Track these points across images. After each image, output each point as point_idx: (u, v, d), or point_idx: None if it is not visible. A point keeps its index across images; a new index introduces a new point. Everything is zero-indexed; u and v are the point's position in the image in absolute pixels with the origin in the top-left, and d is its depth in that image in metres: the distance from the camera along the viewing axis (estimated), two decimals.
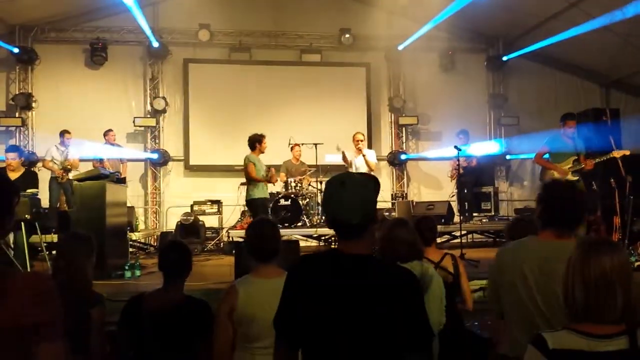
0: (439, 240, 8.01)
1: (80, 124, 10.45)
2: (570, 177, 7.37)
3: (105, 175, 6.92)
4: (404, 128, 12.37)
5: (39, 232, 6.65)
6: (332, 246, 8.79)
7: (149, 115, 11.51)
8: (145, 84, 11.64)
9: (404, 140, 12.40)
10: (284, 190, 9.36)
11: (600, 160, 7.46)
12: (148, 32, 10.78)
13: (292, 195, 9.14)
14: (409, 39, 11.45)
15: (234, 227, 9.40)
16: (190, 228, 9.68)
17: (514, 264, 2.43)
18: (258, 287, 2.82)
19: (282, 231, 8.78)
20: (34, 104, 11.09)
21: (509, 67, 12.45)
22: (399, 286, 1.82)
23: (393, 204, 11.19)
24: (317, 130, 10.56)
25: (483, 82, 12.67)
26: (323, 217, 9.08)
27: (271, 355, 2.03)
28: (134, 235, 9.21)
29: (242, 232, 8.77)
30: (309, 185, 9.58)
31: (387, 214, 9.92)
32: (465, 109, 12.14)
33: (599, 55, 11.47)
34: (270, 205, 9.13)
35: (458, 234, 8.86)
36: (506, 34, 12.17)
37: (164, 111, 11.48)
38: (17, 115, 11.05)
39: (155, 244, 10.31)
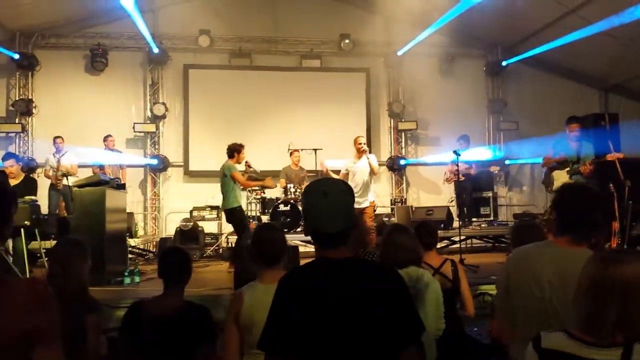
0: (438, 245, 8.00)
1: (80, 129, 10.49)
2: (565, 180, 7.37)
3: (105, 182, 6.93)
4: (403, 133, 12.39)
5: (38, 238, 6.66)
6: None
7: (148, 121, 11.53)
8: (145, 89, 11.67)
9: (403, 146, 12.42)
10: (283, 195, 9.36)
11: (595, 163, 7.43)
12: (148, 38, 10.81)
13: (292, 201, 9.14)
14: (409, 44, 11.48)
15: (233, 233, 9.39)
16: (189, 234, 9.68)
17: (529, 268, 2.36)
18: (263, 292, 2.78)
19: None
20: (34, 110, 11.11)
21: (507, 72, 12.48)
22: (388, 285, 1.86)
23: (392, 209, 11.21)
24: (317, 136, 10.58)
25: (482, 88, 12.69)
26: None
27: None
28: (133, 241, 9.22)
29: None
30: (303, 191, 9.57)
31: (386, 219, 9.93)
32: (465, 114, 12.16)
33: (597, 60, 11.49)
34: (270, 210, 9.15)
35: (457, 239, 8.86)
36: (505, 39, 12.20)
37: (163, 117, 11.50)
38: (17, 121, 11.07)
39: (154, 250, 10.30)
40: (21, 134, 11.06)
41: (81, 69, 11.43)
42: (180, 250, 3.40)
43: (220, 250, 9.65)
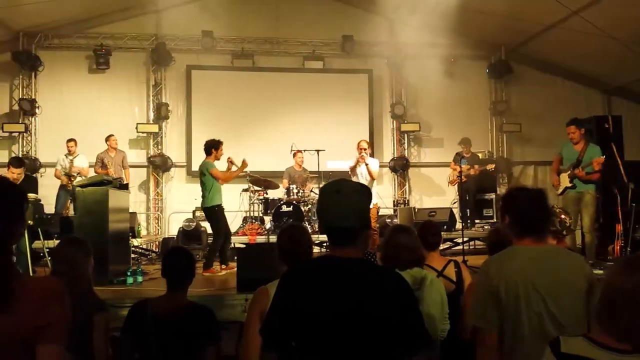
0: (440, 247, 7.98)
1: (83, 129, 10.51)
2: (566, 183, 7.35)
3: (108, 182, 6.93)
4: (406, 135, 12.38)
5: (41, 237, 6.66)
6: None
7: (151, 122, 11.54)
8: (148, 90, 11.68)
9: (405, 147, 12.41)
10: (286, 196, 9.36)
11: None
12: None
13: (294, 202, 9.14)
14: (411, 45, 11.48)
15: (236, 234, 9.40)
16: (192, 234, 9.67)
17: (518, 275, 2.35)
18: None
19: None
20: (37, 110, 11.13)
21: (511, 74, 12.46)
22: (393, 289, 1.87)
23: (395, 210, 11.20)
24: (319, 137, 10.58)
25: (485, 89, 12.69)
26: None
27: None
28: (136, 241, 9.21)
29: (244, 239, 8.81)
30: (311, 191, 9.58)
31: (389, 220, 9.92)
32: (467, 115, 12.17)
33: (600, 62, 11.48)
34: (272, 211, 9.14)
35: (460, 240, 8.85)
36: (508, 41, 12.19)
37: (166, 117, 11.51)
38: (20, 121, 11.08)
39: (157, 250, 10.30)
40: (25, 133, 11.08)
41: (84, 69, 11.45)
42: (184, 251, 3.40)
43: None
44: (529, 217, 2.46)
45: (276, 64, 12.03)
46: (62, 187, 9.38)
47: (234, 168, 7.90)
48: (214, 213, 7.56)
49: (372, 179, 8.29)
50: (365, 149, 8.41)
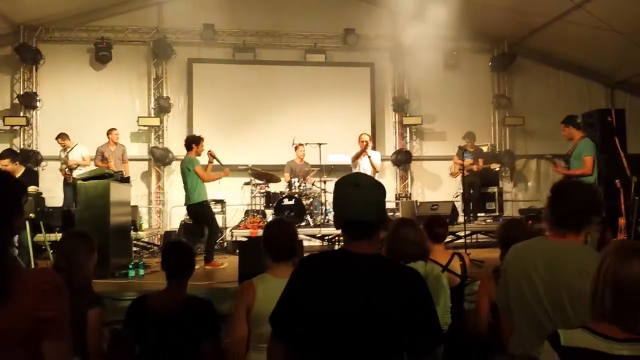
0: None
1: (85, 123, 10.51)
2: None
3: (109, 175, 6.92)
4: (408, 128, 12.35)
5: (43, 231, 6.66)
6: (336, 246, 8.78)
7: (153, 115, 11.52)
8: (149, 83, 11.65)
9: (408, 140, 12.38)
10: (287, 190, 9.35)
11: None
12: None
13: (296, 195, 9.13)
14: (413, 38, 11.41)
15: (237, 227, 9.39)
16: (193, 227, 9.66)
17: (521, 263, 2.42)
18: (276, 286, 2.75)
19: None
20: (38, 104, 11.11)
21: (513, 67, 12.42)
22: (408, 286, 1.85)
23: (397, 204, 11.18)
24: (321, 130, 10.55)
25: (488, 82, 12.64)
26: (326, 218, 9.07)
27: None
28: (138, 235, 9.21)
29: (246, 232, 8.80)
30: (313, 185, 9.56)
31: (391, 214, 9.91)
32: (470, 109, 12.13)
33: (604, 56, 11.43)
34: (274, 204, 9.13)
35: (462, 234, 8.84)
36: (511, 34, 12.14)
37: (168, 110, 11.49)
38: (21, 114, 11.07)
39: (159, 243, 10.31)
40: (26, 127, 11.08)
41: (85, 62, 11.43)
42: (183, 245, 3.40)
43: (225, 243, 9.64)
44: (561, 210, 2.42)
45: (278, 57, 12.00)
46: (66, 184, 9.41)
47: (215, 162, 7.78)
48: (203, 209, 7.48)
49: (376, 171, 8.28)
50: (366, 142, 8.39)
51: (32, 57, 10.99)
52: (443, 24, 10.62)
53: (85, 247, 3.19)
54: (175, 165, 11.62)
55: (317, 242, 9.52)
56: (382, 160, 9.89)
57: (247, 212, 9.89)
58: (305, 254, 5.98)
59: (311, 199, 9.36)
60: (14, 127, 11.09)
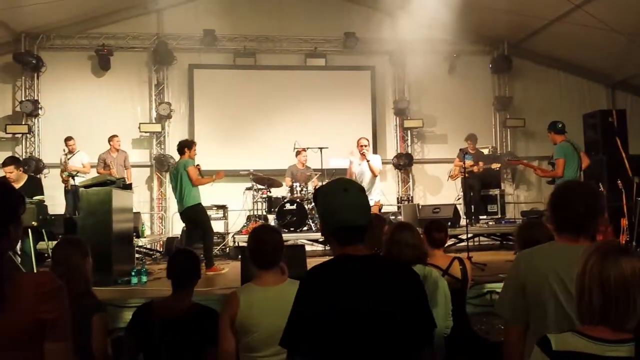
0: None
1: (86, 130, 10.52)
2: None
3: (111, 182, 6.93)
4: (409, 131, 12.35)
5: (45, 238, 6.67)
6: None
7: (154, 121, 11.55)
8: (150, 89, 11.68)
9: (409, 143, 12.38)
10: (289, 194, 9.36)
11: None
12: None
13: (298, 200, 9.13)
14: (414, 42, 11.43)
15: (239, 232, 9.40)
16: (195, 234, 9.66)
17: (538, 269, 2.30)
18: (259, 295, 2.76)
19: (288, 235, 8.75)
20: (40, 111, 11.14)
21: (514, 69, 12.42)
22: (410, 284, 1.89)
23: (399, 207, 11.18)
24: (322, 134, 10.55)
25: (488, 84, 12.64)
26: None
27: None
28: (140, 241, 9.22)
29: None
30: (314, 189, 9.56)
31: (392, 217, 9.90)
32: (471, 111, 12.13)
33: (604, 56, 11.43)
34: (276, 209, 9.14)
35: (464, 237, 8.83)
36: (511, 36, 12.14)
37: (169, 117, 11.51)
38: (23, 122, 11.10)
39: (161, 250, 10.32)
40: (28, 134, 11.10)
41: (86, 69, 11.46)
42: (190, 253, 3.41)
43: (227, 249, 9.64)
44: (572, 214, 2.34)
45: (278, 62, 12.02)
46: (66, 191, 9.44)
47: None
48: (198, 211, 7.43)
49: (374, 175, 8.27)
50: (365, 146, 8.40)
51: (34, 64, 11.02)
52: (443, 27, 10.65)
53: (80, 253, 3.19)
54: None
55: (319, 247, 9.52)
56: (384, 163, 9.90)
57: (249, 217, 9.90)
58: (308, 259, 5.97)
59: (313, 204, 9.36)
60: (16, 135, 11.11)
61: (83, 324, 2.87)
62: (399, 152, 12.26)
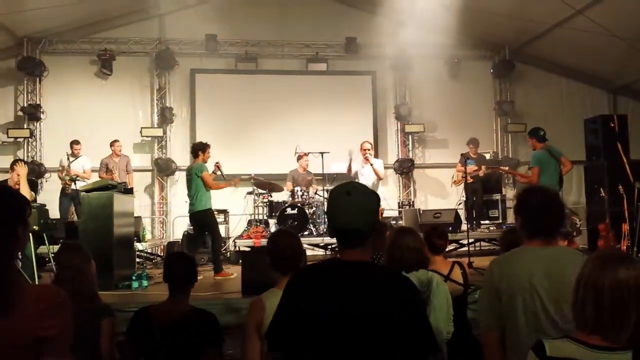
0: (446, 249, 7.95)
1: (88, 134, 10.53)
2: None
3: (112, 186, 6.94)
4: (410, 136, 12.36)
5: (46, 243, 6.67)
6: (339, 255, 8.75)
7: (156, 125, 11.56)
8: (152, 94, 11.70)
9: (410, 148, 12.38)
10: (290, 199, 9.35)
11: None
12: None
13: (299, 204, 9.13)
14: (415, 46, 11.45)
15: (240, 237, 9.39)
16: (196, 238, 9.67)
17: (519, 274, 2.34)
18: None
19: None
20: (42, 115, 11.16)
21: (515, 73, 12.43)
22: (400, 293, 1.87)
23: (400, 212, 11.16)
24: (324, 139, 10.56)
25: (489, 89, 12.65)
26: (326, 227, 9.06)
27: None
28: (141, 246, 9.22)
29: (249, 242, 8.79)
30: (316, 193, 9.56)
31: (394, 222, 9.89)
32: (472, 116, 12.14)
33: (605, 61, 11.44)
34: (277, 214, 9.13)
35: (465, 242, 8.82)
36: (512, 41, 12.16)
37: (170, 121, 11.52)
38: (25, 126, 11.12)
39: (162, 254, 10.31)
40: (29, 139, 11.11)
41: (88, 74, 11.48)
42: (185, 255, 3.41)
43: (228, 253, 9.63)
44: (539, 217, 2.40)
45: (280, 67, 12.05)
46: (62, 192, 9.42)
47: (218, 173, 7.82)
48: (207, 216, 7.48)
49: (379, 178, 8.29)
50: (368, 150, 8.41)
51: (36, 69, 11.05)
52: (444, 32, 10.67)
53: (83, 258, 3.20)
54: (179, 176, 11.65)
55: (320, 252, 9.51)
56: (385, 168, 9.90)
57: (249, 222, 9.88)
58: (309, 263, 5.96)
59: (314, 208, 9.35)
60: (18, 139, 11.12)
61: (92, 327, 2.88)
62: (400, 156, 12.26)
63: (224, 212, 10.40)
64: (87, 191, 6.81)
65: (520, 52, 12.38)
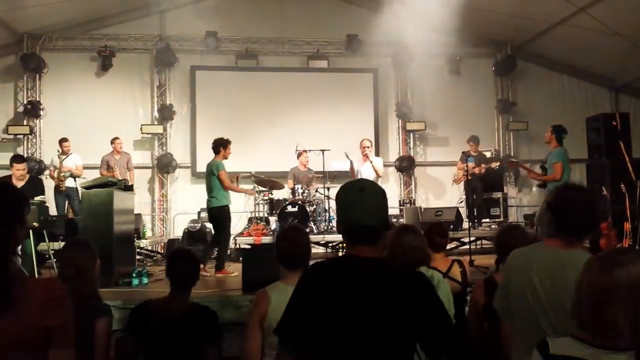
0: (447, 246, 7.93)
1: (88, 131, 10.53)
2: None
3: (112, 183, 6.91)
4: (411, 134, 12.34)
5: (46, 239, 6.65)
6: (339, 253, 8.75)
7: (156, 123, 11.54)
8: (152, 91, 11.69)
9: (411, 146, 12.36)
10: (291, 196, 9.33)
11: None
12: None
13: (300, 202, 9.10)
14: (416, 44, 11.42)
15: (241, 234, 9.37)
16: (197, 235, 9.65)
17: (524, 269, 2.35)
18: (290, 294, 2.77)
19: None
20: (42, 112, 11.14)
21: (517, 72, 12.40)
22: (415, 288, 1.86)
23: (401, 210, 11.14)
24: (324, 137, 10.55)
25: (491, 87, 12.63)
26: (330, 224, 9.03)
27: None
28: (141, 243, 9.20)
29: (250, 239, 8.78)
30: (316, 191, 9.54)
31: (395, 220, 9.87)
32: (474, 114, 12.11)
33: (607, 60, 11.42)
34: (278, 211, 9.11)
35: (467, 240, 8.80)
36: (514, 39, 12.13)
37: (171, 118, 11.51)
38: (25, 123, 11.11)
39: (162, 251, 10.29)
40: (29, 135, 11.10)
41: (88, 70, 11.46)
42: (188, 252, 3.39)
43: (229, 251, 9.60)
44: (572, 219, 2.32)
45: (280, 64, 12.02)
46: (56, 189, 9.39)
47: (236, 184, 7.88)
48: (221, 213, 7.50)
49: (378, 176, 8.26)
50: (368, 147, 8.39)
51: (36, 65, 11.03)
52: (446, 30, 10.64)
53: (88, 255, 3.17)
54: (179, 173, 11.65)
55: (321, 249, 9.48)
56: (386, 166, 9.88)
57: (250, 220, 9.87)
58: (311, 262, 5.93)
59: (315, 206, 9.33)
60: (18, 136, 11.11)
61: (89, 326, 2.86)
62: (401, 154, 12.24)
63: None
64: (87, 188, 6.78)
65: (522, 50, 12.35)
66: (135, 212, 8.46)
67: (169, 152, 11.48)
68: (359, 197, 1.90)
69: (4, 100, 11.30)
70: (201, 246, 9.08)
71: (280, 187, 9.72)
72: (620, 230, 7.86)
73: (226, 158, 7.67)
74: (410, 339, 1.80)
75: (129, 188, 7.78)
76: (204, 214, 10.30)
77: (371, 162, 8.25)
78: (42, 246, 6.83)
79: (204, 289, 5.78)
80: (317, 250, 9.46)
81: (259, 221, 9.56)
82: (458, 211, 9.66)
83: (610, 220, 8.01)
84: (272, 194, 9.68)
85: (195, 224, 9.79)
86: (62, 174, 9.22)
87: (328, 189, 9.32)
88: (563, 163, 7.23)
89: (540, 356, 1.69)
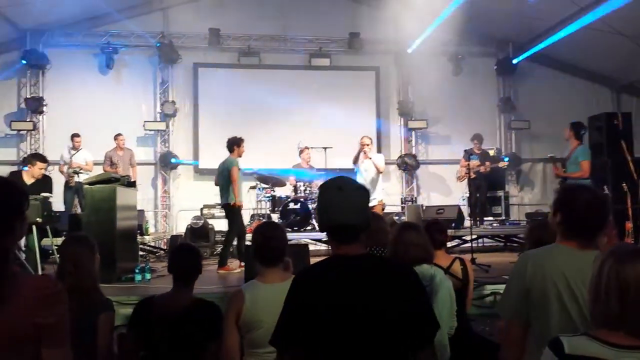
0: (449, 244, 7.95)
1: (91, 127, 10.54)
2: None
3: (115, 179, 6.94)
4: (413, 132, 12.35)
5: (50, 235, 6.68)
6: None
7: (159, 119, 11.56)
8: (155, 88, 11.71)
9: (413, 144, 12.37)
10: (293, 194, 9.35)
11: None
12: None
13: (302, 199, 9.12)
14: (419, 42, 11.43)
15: None
16: (200, 231, 9.67)
17: (555, 273, 2.23)
18: (264, 292, 2.79)
19: (292, 235, 8.75)
20: (44, 108, 11.17)
21: (519, 71, 12.40)
22: (404, 282, 1.87)
23: (403, 208, 11.16)
24: (326, 134, 10.55)
25: (493, 86, 12.63)
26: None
27: None
28: (144, 239, 9.23)
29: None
30: (318, 188, 9.54)
31: (396, 218, 9.88)
32: (475, 113, 12.11)
33: (609, 59, 11.41)
34: (280, 208, 9.13)
35: (468, 238, 8.81)
36: (516, 38, 12.12)
37: (173, 115, 11.54)
38: (28, 119, 11.14)
39: (165, 248, 10.33)
40: (32, 131, 11.13)
41: (91, 67, 11.49)
42: (190, 247, 3.40)
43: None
44: (582, 218, 2.26)
45: (283, 62, 12.03)
46: (67, 187, 9.44)
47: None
48: (232, 209, 7.58)
49: (379, 172, 8.25)
50: (367, 145, 8.37)
51: (39, 62, 11.05)
52: (448, 28, 10.64)
53: (88, 250, 3.18)
54: (181, 170, 11.68)
55: (323, 247, 9.50)
56: (388, 164, 9.88)
57: (252, 217, 9.89)
58: (312, 258, 5.97)
59: (317, 203, 9.33)
60: (21, 132, 11.14)
61: (90, 321, 2.87)
62: (403, 152, 12.25)
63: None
64: (90, 184, 6.81)
65: (524, 49, 12.33)
66: (138, 208, 8.48)
67: (171, 149, 11.51)
68: (337, 196, 1.89)
69: (7, 97, 11.32)
70: (204, 242, 9.13)
71: (283, 184, 9.74)
72: (621, 229, 7.86)
73: (240, 156, 7.77)
74: (403, 331, 1.80)
75: (131, 184, 7.81)
76: (207, 211, 10.36)
77: (370, 158, 8.22)
78: (46, 241, 6.86)
79: (205, 285, 5.80)
80: (319, 247, 9.48)
81: (261, 218, 9.58)
82: (460, 209, 9.67)
83: (611, 220, 8.01)
84: (274, 191, 9.70)
85: (198, 221, 9.82)
86: (71, 170, 9.27)
87: None
88: (590, 161, 7.31)
89: (554, 356, 1.64)
